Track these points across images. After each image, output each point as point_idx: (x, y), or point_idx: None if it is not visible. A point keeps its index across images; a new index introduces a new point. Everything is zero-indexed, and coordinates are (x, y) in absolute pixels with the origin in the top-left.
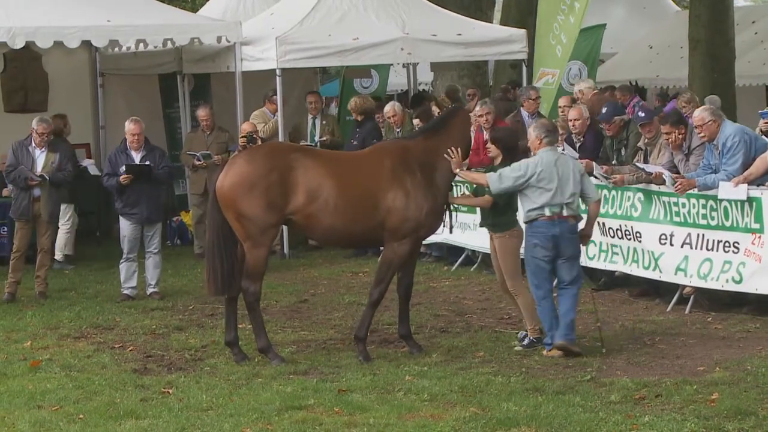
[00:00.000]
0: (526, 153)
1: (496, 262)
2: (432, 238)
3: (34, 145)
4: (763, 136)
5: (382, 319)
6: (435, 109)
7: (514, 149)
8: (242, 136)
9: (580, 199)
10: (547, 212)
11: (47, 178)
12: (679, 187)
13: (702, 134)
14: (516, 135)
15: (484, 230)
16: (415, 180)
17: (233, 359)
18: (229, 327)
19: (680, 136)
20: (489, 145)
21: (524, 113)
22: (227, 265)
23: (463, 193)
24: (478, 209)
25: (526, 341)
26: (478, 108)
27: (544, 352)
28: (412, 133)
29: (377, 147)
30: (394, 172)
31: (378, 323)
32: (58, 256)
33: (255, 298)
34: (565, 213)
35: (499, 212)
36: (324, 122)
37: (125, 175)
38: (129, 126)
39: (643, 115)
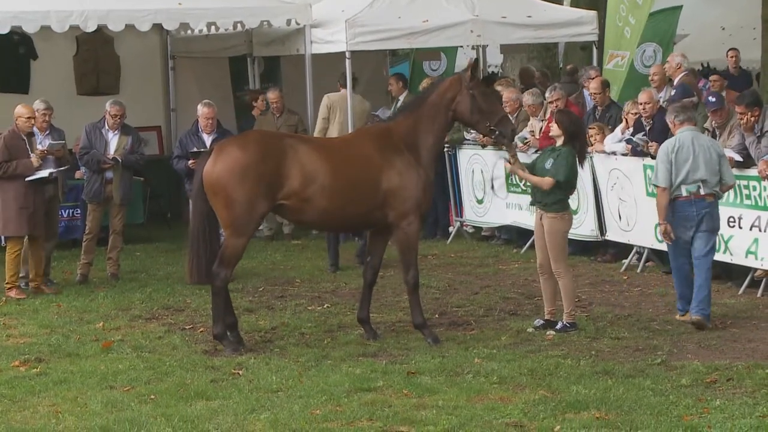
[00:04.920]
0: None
1: (540, 242)
2: (500, 220)
3: (107, 127)
4: None
5: (451, 301)
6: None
7: (575, 134)
8: None
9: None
10: (684, 192)
11: (120, 160)
12: (763, 169)
13: None
14: (580, 121)
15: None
16: (404, 160)
17: (227, 349)
18: (220, 320)
19: (753, 119)
20: (552, 123)
21: (586, 93)
22: (210, 254)
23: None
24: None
25: (559, 325)
26: (548, 93)
27: (677, 316)
28: (392, 115)
29: (361, 131)
30: (384, 153)
31: (447, 306)
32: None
33: (224, 284)
34: (702, 192)
35: (557, 192)
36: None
37: (192, 161)
38: (203, 110)
39: (713, 100)
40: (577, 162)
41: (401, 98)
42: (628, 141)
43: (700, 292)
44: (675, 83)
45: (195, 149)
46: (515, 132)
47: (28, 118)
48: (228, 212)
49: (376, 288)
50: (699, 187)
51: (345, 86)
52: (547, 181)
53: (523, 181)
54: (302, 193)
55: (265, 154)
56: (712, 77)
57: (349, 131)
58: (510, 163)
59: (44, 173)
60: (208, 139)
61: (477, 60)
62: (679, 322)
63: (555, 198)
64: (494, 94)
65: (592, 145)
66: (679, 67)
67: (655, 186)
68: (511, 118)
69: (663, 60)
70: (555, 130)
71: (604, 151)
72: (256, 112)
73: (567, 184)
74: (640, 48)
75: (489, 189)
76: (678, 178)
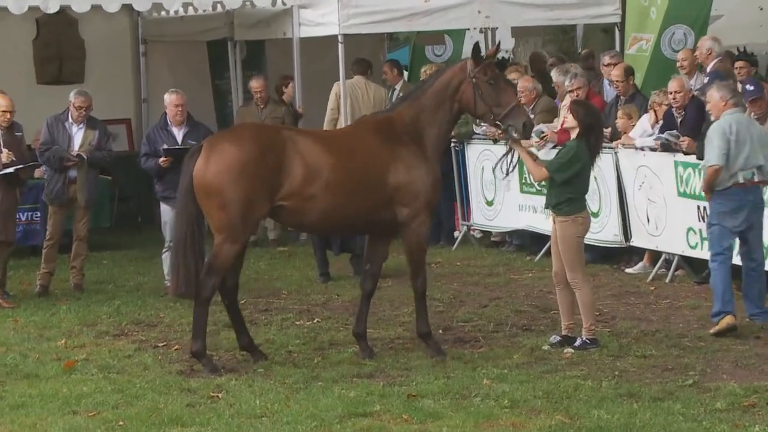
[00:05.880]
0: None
1: (555, 249)
2: (512, 224)
3: (71, 120)
4: None
5: (456, 315)
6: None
7: (591, 126)
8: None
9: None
10: (740, 179)
11: (85, 157)
12: None
13: None
14: (598, 113)
15: None
16: (410, 152)
17: (205, 369)
18: (201, 335)
19: None
20: (567, 114)
21: (605, 83)
22: (199, 263)
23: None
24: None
25: (578, 342)
26: (568, 82)
27: (713, 330)
28: (392, 105)
29: (362, 121)
30: (388, 145)
31: (452, 320)
32: None
33: (212, 294)
34: (756, 178)
35: (564, 192)
36: (401, 93)
37: (164, 158)
38: (169, 97)
39: (752, 88)
40: (588, 158)
41: (397, 87)
42: (657, 138)
43: (762, 295)
44: (708, 70)
45: (166, 146)
46: (529, 125)
47: (4, 111)
48: (223, 216)
49: (373, 301)
50: (753, 174)
51: (361, 72)
52: (540, 174)
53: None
54: (304, 192)
55: (264, 150)
56: (738, 63)
57: (350, 121)
58: (514, 138)
59: (8, 171)
60: (178, 133)
61: (477, 44)
62: (713, 337)
63: (563, 198)
64: (503, 82)
65: (619, 138)
66: (710, 53)
67: (708, 167)
68: (526, 110)
69: (694, 44)
70: (570, 120)
71: (633, 146)
72: (287, 98)
73: (563, 181)
74: (669, 30)
75: (502, 171)
76: (737, 164)
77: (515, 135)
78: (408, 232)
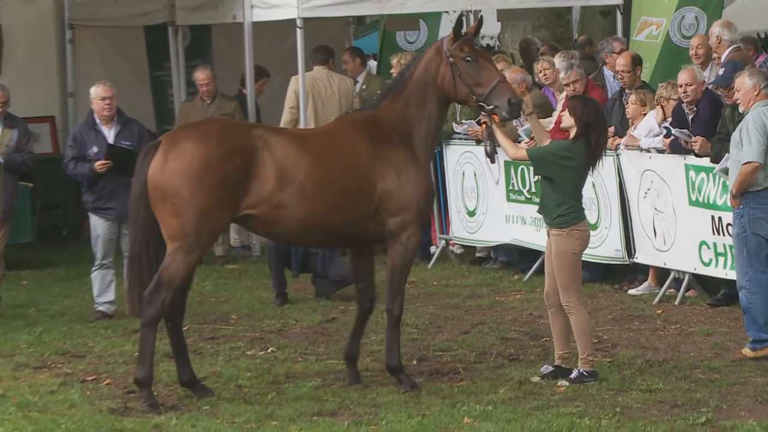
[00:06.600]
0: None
1: (550, 266)
2: (497, 238)
3: None
4: None
5: (433, 343)
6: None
7: (590, 125)
8: None
9: None
10: None
11: (1, 161)
12: None
13: None
14: (598, 108)
15: None
16: (399, 154)
17: (144, 404)
18: (148, 361)
19: None
20: (563, 112)
21: (608, 74)
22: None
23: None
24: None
25: (573, 374)
26: (563, 74)
27: (747, 352)
28: (374, 101)
29: (344, 120)
30: (376, 148)
31: (428, 349)
32: None
33: (162, 313)
34: None
35: (555, 196)
36: (365, 86)
37: (103, 161)
38: (95, 90)
39: None
40: (584, 161)
41: (360, 79)
42: (667, 134)
43: None
44: (722, 60)
45: (96, 148)
46: (516, 102)
47: None
48: (177, 222)
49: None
50: None
51: (321, 62)
52: (516, 152)
53: (527, 188)
54: (276, 198)
55: (231, 150)
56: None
57: (313, 119)
58: (487, 123)
59: None
60: (108, 133)
61: (461, 18)
62: (730, 368)
63: (558, 202)
64: (483, 58)
65: (621, 135)
66: (719, 42)
67: (744, 164)
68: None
69: (707, 29)
70: (567, 120)
71: (637, 147)
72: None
73: (544, 176)
74: (677, 14)
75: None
76: None
77: (504, 114)
78: (395, 246)
